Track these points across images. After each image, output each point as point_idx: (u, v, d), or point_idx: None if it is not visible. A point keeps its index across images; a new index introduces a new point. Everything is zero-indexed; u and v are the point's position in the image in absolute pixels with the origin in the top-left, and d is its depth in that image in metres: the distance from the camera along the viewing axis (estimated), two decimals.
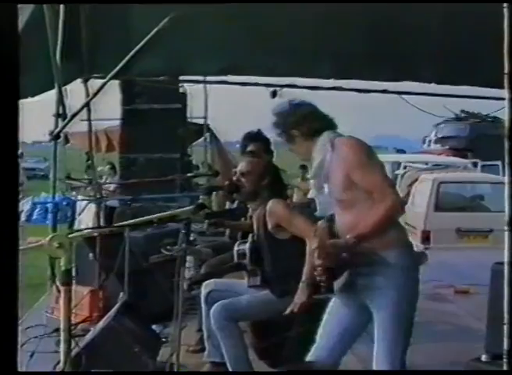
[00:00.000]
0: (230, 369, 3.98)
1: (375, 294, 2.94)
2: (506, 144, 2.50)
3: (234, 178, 4.24)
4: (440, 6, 4.45)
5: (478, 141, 20.67)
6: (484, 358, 4.68)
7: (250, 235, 4.12)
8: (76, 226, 6.33)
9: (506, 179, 2.56)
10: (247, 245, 4.05)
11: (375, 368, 3.02)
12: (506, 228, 2.52)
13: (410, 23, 4.91)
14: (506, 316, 2.56)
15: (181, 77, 7.82)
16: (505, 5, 2.54)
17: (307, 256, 3.68)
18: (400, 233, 3.05)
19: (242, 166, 4.24)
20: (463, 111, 22.76)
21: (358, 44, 5.39)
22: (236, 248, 4.12)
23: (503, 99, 2.61)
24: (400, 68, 5.89)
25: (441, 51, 5.35)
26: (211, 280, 4.30)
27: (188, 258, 4.87)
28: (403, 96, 6.53)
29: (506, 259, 2.56)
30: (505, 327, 2.56)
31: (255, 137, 5.25)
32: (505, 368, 2.58)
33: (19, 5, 1.98)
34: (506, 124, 2.52)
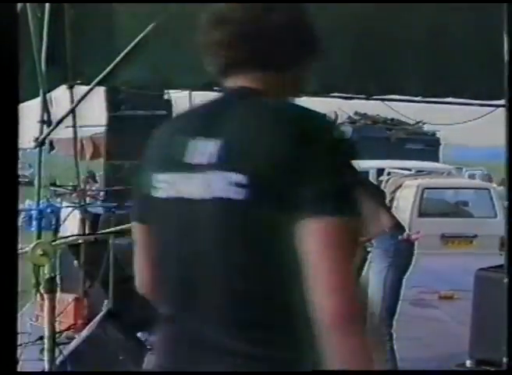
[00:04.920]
0: None
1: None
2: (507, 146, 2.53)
3: None
4: (427, 19, 4.48)
5: (359, 143, 20.32)
6: (468, 363, 4.71)
7: None
8: (60, 234, 6.29)
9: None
10: None
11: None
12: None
13: (397, 36, 4.94)
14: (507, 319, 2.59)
15: None
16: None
17: None
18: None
19: None
20: (356, 113, 22.50)
21: (344, 57, 5.40)
22: None
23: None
24: (386, 81, 5.91)
25: (427, 64, 5.37)
26: None
27: None
28: (388, 103, 6.57)
29: (505, 263, 2.59)
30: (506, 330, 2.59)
31: None
32: (505, 368, 2.60)
33: None
34: (505, 127, 2.54)
